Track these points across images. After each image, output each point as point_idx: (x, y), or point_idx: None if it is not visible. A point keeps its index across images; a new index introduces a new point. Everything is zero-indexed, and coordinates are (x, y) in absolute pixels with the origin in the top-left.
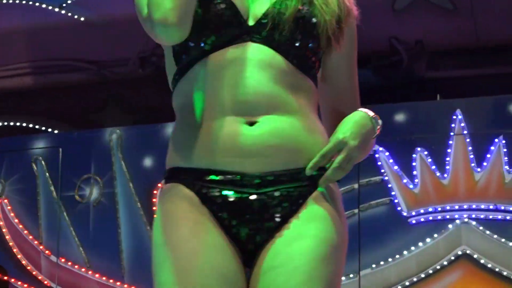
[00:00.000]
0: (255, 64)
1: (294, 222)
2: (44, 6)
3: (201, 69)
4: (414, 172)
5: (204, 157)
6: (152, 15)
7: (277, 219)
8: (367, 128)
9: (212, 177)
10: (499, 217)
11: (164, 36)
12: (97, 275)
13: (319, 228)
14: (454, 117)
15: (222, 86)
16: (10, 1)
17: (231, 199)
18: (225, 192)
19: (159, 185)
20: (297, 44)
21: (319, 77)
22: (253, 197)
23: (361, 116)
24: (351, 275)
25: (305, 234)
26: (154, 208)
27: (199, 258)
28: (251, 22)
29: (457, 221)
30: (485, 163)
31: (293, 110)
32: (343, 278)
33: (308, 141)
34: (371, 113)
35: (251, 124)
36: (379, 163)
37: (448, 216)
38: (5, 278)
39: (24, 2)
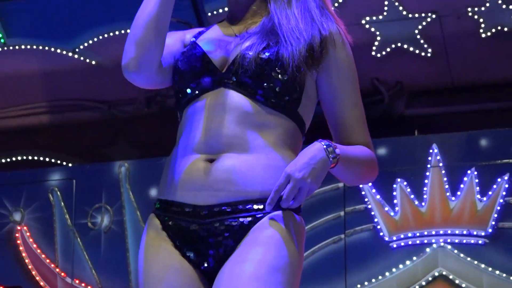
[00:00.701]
0: (222, 108)
1: (240, 248)
2: (58, 51)
3: (185, 112)
4: (395, 201)
5: (170, 190)
6: (122, 62)
7: (223, 248)
8: (317, 159)
9: (173, 208)
10: (472, 241)
11: (129, 79)
12: None
13: (259, 252)
14: (431, 151)
15: (192, 128)
16: (28, 47)
17: (182, 228)
18: (178, 222)
19: None
20: (265, 85)
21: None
22: (195, 227)
23: (314, 148)
24: None
25: (246, 258)
26: None
27: (162, 282)
28: (223, 69)
29: (434, 245)
30: (459, 193)
31: (251, 148)
32: None
33: (259, 176)
34: (326, 144)
35: (211, 161)
36: (363, 192)
37: (425, 241)
38: None
39: (40, 47)
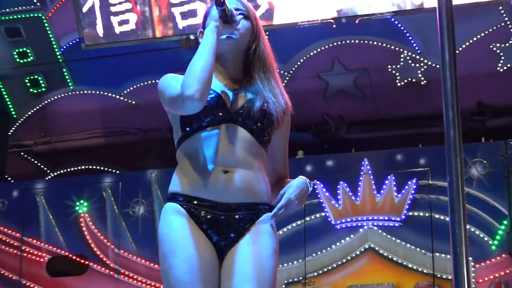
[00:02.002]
0: (232, 137)
1: (248, 235)
2: (109, 94)
3: (199, 137)
4: (339, 197)
5: (193, 188)
6: (184, 93)
7: (235, 233)
8: (304, 190)
9: (194, 201)
10: (391, 224)
11: (190, 106)
12: (143, 261)
13: (263, 238)
14: (363, 163)
15: (210, 147)
16: (88, 91)
17: (208, 217)
18: (203, 213)
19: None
20: (260, 126)
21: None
22: (222, 217)
23: (302, 182)
24: (300, 261)
25: (254, 242)
26: None
27: (191, 249)
28: (232, 111)
29: (365, 227)
30: (382, 191)
31: (251, 167)
32: (294, 262)
33: (257, 186)
34: (307, 180)
35: (226, 172)
36: (317, 191)
37: (359, 224)
38: (86, 262)
39: (97, 92)
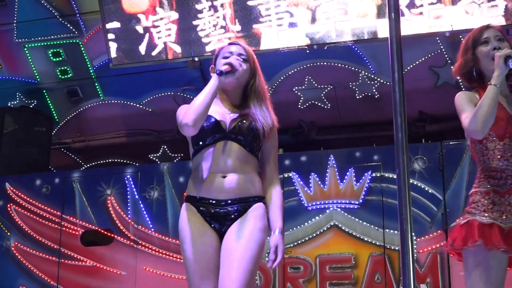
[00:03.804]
0: (227, 150)
1: (240, 221)
2: (131, 103)
3: (204, 152)
4: (310, 185)
5: (200, 191)
6: (183, 121)
7: (231, 221)
8: (283, 249)
9: (202, 200)
10: (351, 207)
11: (186, 130)
12: (157, 234)
13: (252, 222)
14: (330, 158)
15: (211, 159)
16: (115, 101)
17: (211, 211)
18: (208, 208)
19: (185, 193)
20: (250, 140)
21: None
22: (221, 210)
23: (281, 246)
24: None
25: (245, 226)
26: (183, 199)
27: (201, 246)
28: (227, 130)
29: (331, 208)
30: (344, 181)
31: (243, 171)
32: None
33: (248, 185)
34: (281, 233)
35: (224, 177)
36: (293, 181)
37: (326, 206)
38: (112, 235)
39: (122, 101)
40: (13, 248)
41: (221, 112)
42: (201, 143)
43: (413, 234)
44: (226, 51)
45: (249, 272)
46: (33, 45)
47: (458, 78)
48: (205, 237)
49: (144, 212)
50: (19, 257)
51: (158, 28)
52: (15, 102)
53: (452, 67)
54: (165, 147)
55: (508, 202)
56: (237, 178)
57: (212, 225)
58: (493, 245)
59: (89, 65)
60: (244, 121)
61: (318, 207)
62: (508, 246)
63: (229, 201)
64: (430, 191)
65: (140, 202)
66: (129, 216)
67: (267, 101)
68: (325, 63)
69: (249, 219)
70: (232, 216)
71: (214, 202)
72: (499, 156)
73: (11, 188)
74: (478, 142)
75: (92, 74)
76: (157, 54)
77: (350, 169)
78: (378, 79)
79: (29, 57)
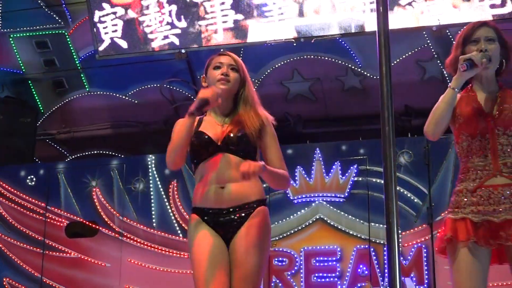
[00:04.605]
0: (223, 162)
1: (243, 229)
2: (117, 95)
3: (202, 166)
4: (296, 178)
5: (201, 201)
6: (166, 160)
7: (234, 228)
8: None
9: (204, 210)
10: (337, 200)
11: (171, 169)
12: (142, 226)
13: (255, 231)
14: (316, 152)
15: (209, 172)
16: (100, 92)
17: (214, 219)
18: (212, 217)
19: (173, 182)
20: (242, 147)
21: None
22: (222, 219)
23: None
24: None
25: (248, 233)
26: (169, 191)
27: (207, 245)
28: (220, 144)
29: (316, 202)
30: (330, 174)
31: (239, 179)
32: None
33: (246, 191)
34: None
35: (222, 187)
36: None
37: (312, 199)
38: (97, 227)
39: (107, 93)
40: None
41: (212, 126)
42: (198, 159)
43: (399, 227)
44: (217, 61)
45: (256, 284)
46: (18, 35)
47: (449, 72)
48: (210, 238)
49: (129, 204)
50: (3, 248)
51: (146, 17)
52: (0, 93)
53: (438, 61)
54: (151, 138)
55: (480, 197)
56: (235, 187)
57: (220, 233)
58: (464, 238)
59: (75, 56)
60: (234, 130)
61: (304, 200)
62: (480, 239)
63: (231, 209)
64: (415, 185)
65: (126, 194)
66: (114, 208)
67: (256, 105)
68: (312, 56)
69: (251, 228)
70: (235, 223)
71: (216, 211)
72: (474, 155)
73: None
74: (456, 143)
75: (78, 65)
76: (144, 46)
77: (336, 163)
78: (365, 73)
79: (15, 48)
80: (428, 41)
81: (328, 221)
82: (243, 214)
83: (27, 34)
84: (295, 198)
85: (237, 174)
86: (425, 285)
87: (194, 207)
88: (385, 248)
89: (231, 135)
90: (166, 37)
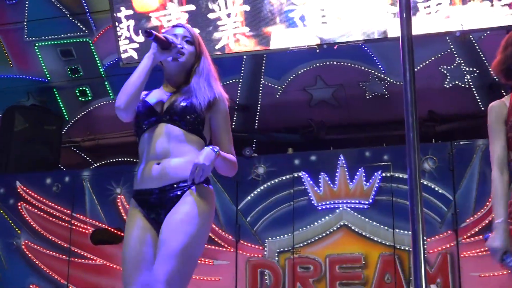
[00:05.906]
0: (162, 133)
1: (175, 207)
2: None
3: (142, 137)
4: (320, 185)
5: (138, 183)
6: (115, 104)
7: (164, 210)
8: (209, 154)
9: (141, 192)
10: (361, 206)
11: (120, 115)
12: None
13: (185, 207)
14: (339, 158)
15: (147, 146)
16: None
17: (147, 202)
18: (144, 199)
19: None
20: (187, 118)
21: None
22: (155, 200)
23: (206, 150)
24: (290, 234)
25: (178, 211)
26: None
27: (132, 241)
28: (162, 112)
29: (341, 208)
30: (354, 181)
31: (182, 153)
32: (284, 235)
33: (183, 168)
34: (212, 147)
35: (158, 163)
36: (303, 181)
37: (336, 206)
38: (121, 233)
39: None
40: (23, 247)
41: (159, 96)
42: (139, 128)
43: (424, 234)
44: (171, 33)
45: (177, 268)
46: (43, 43)
47: (496, 75)
48: (138, 230)
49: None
50: (29, 255)
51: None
52: (26, 101)
53: (462, 66)
54: None
55: None
56: (173, 163)
57: (152, 216)
58: None
59: (99, 64)
60: (178, 99)
61: (328, 206)
62: None
63: (167, 188)
64: (440, 191)
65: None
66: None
67: (211, 79)
68: (334, 63)
69: (180, 206)
70: (167, 203)
71: (148, 192)
72: None
73: (22, 187)
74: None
75: (102, 73)
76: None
77: (360, 169)
78: (388, 79)
79: (40, 56)
80: (452, 47)
81: (353, 228)
82: (178, 193)
83: (52, 42)
84: (319, 204)
85: (178, 149)
86: None
87: (134, 190)
88: (410, 255)
89: (176, 104)
90: None
